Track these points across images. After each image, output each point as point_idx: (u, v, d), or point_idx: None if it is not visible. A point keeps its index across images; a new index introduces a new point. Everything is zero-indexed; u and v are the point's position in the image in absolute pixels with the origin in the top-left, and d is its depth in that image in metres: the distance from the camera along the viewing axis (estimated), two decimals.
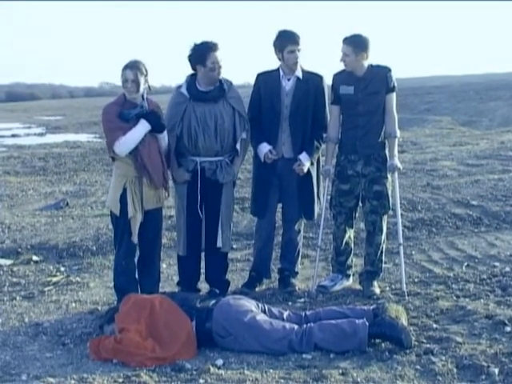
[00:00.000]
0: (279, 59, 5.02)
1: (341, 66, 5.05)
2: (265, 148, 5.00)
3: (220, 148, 4.89)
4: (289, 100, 5.01)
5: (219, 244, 5.00)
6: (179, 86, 4.96)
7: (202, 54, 4.77)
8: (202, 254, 5.16)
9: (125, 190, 4.59)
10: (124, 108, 4.57)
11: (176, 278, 5.35)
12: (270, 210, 5.18)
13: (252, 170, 5.38)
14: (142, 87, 4.59)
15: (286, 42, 4.94)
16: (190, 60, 4.87)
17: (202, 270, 5.24)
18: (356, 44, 4.83)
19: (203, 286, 5.22)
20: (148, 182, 4.61)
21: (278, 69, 5.07)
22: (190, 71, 4.95)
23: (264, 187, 5.13)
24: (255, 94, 5.13)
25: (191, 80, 4.91)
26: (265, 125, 5.06)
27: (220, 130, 4.84)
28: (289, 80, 5.03)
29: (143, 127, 4.56)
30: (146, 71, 4.62)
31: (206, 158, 4.89)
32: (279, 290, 5.17)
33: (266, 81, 5.09)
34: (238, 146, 4.97)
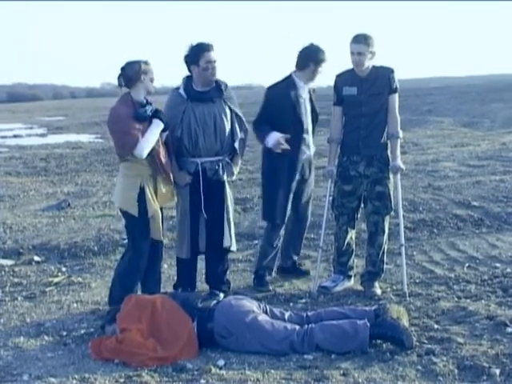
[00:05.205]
0: (303, 69, 5.13)
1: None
2: (276, 135, 4.98)
3: (220, 147, 4.92)
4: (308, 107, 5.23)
5: (227, 243, 5.03)
6: (177, 88, 5.00)
7: (196, 54, 4.82)
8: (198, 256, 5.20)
9: (141, 189, 4.60)
10: (135, 108, 4.58)
11: None
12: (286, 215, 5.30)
13: (267, 174, 5.31)
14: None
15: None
16: (185, 61, 4.90)
17: (202, 271, 5.26)
18: (369, 42, 4.83)
19: (204, 288, 5.23)
20: (164, 178, 4.68)
21: (291, 76, 5.19)
22: (188, 73, 4.98)
23: (285, 191, 5.20)
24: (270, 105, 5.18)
25: (188, 81, 4.95)
26: (290, 132, 5.07)
27: (220, 129, 4.88)
28: (303, 88, 5.19)
29: (158, 127, 4.60)
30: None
31: (206, 158, 4.91)
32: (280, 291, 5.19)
33: (285, 91, 5.14)
34: (236, 145, 5.01)
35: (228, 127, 4.92)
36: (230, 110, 4.96)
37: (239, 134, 5.00)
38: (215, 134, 4.87)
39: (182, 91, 4.93)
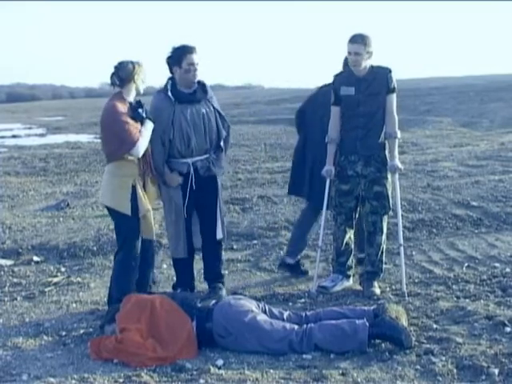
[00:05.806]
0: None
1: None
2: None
3: (209, 146, 5.01)
4: None
5: (220, 236, 5.10)
6: (165, 90, 4.98)
7: (178, 56, 4.86)
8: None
9: (133, 188, 4.63)
10: (130, 107, 4.64)
11: None
12: None
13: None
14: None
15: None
16: (168, 62, 4.94)
17: (200, 271, 5.26)
18: (366, 42, 4.83)
19: (203, 288, 5.24)
20: (152, 177, 4.75)
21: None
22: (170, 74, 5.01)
23: None
24: None
25: (173, 83, 4.98)
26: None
27: (209, 128, 4.97)
28: None
29: (151, 126, 4.68)
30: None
31: (197, 157, 4.97)
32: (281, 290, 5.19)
33: None
34: (221, 143, 5.09)
35: (215, 126, 5.01)
36: (214, 108, 5.03)
37: (223, 132, 5.09)
38: (205, 134, 4.95)
39: (169, 94, 4.95)
